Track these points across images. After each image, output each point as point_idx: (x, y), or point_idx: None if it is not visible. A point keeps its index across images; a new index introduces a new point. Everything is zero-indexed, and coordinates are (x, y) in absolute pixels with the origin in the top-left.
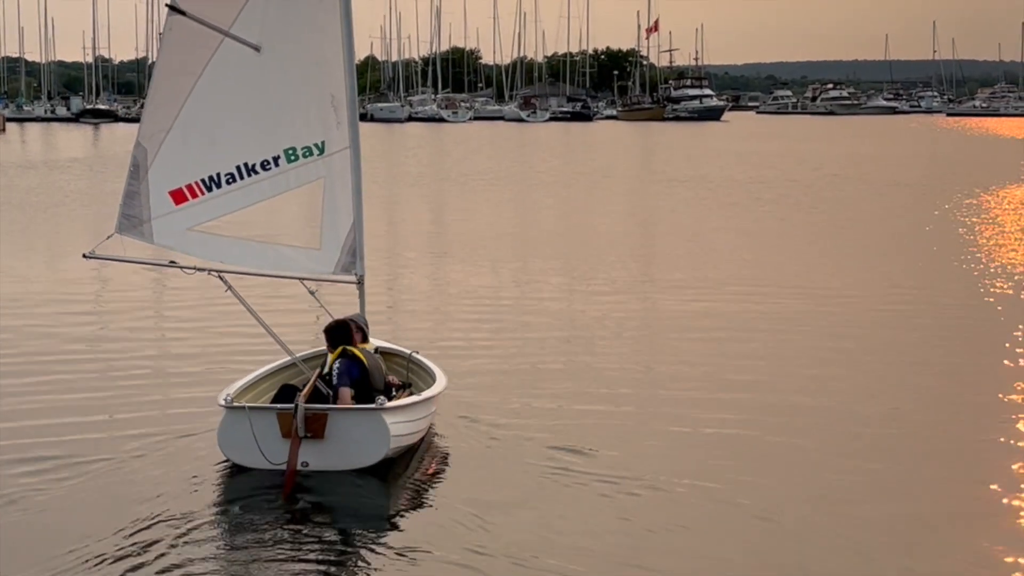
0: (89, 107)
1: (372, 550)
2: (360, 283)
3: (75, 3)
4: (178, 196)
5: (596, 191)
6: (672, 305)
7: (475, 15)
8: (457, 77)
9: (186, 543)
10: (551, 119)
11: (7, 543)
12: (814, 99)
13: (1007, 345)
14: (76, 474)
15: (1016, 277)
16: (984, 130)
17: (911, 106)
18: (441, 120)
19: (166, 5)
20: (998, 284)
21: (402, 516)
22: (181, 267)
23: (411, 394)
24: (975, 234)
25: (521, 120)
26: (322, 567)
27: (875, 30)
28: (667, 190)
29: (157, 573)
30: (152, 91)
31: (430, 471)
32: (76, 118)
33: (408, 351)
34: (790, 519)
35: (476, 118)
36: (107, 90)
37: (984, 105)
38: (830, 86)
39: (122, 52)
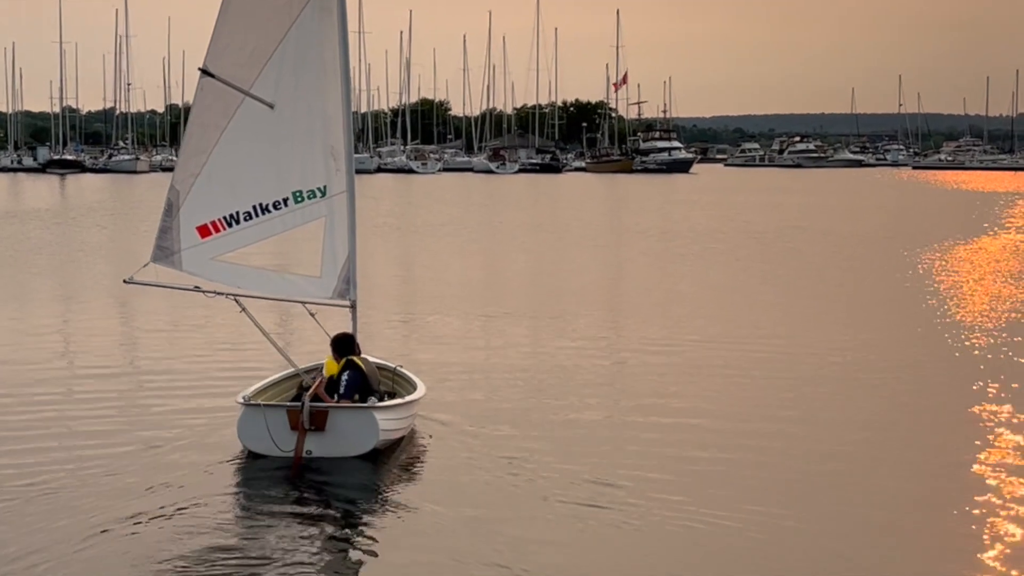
0: (56, 157)
1: (360, 519)
2: (353, 307)
3: (43, 53)
4: (204, 231)
5: (563, 242)
6: (638, 347)
7: (444, 67)
8: (426, 128)
9: (211, 511)
10: (520, 171)
11: (58, 516)
12: (781, 152)
13: (961, 388)
14: (118, 456)
15: (970, 325)
16: (949, 183)
17: (877, 159)
18: (410, 171)
19: (199, 69)
20: (954, 331)
21: (385, 494)
22: (204, 291)
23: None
24: (934, 284)
25: (490, 172)
26: (321, 531)
27: (842, 83)
28: (634, 242)
29: (185, 533)
30: (185, 142)
31: (409, 461)
32: (43, 168)
33: (393, 365)
34: (779, 543)
35: (445, 169)
36: (74, 140)
37: (949, 158)
38: (797, 139)
39: (90, 102)
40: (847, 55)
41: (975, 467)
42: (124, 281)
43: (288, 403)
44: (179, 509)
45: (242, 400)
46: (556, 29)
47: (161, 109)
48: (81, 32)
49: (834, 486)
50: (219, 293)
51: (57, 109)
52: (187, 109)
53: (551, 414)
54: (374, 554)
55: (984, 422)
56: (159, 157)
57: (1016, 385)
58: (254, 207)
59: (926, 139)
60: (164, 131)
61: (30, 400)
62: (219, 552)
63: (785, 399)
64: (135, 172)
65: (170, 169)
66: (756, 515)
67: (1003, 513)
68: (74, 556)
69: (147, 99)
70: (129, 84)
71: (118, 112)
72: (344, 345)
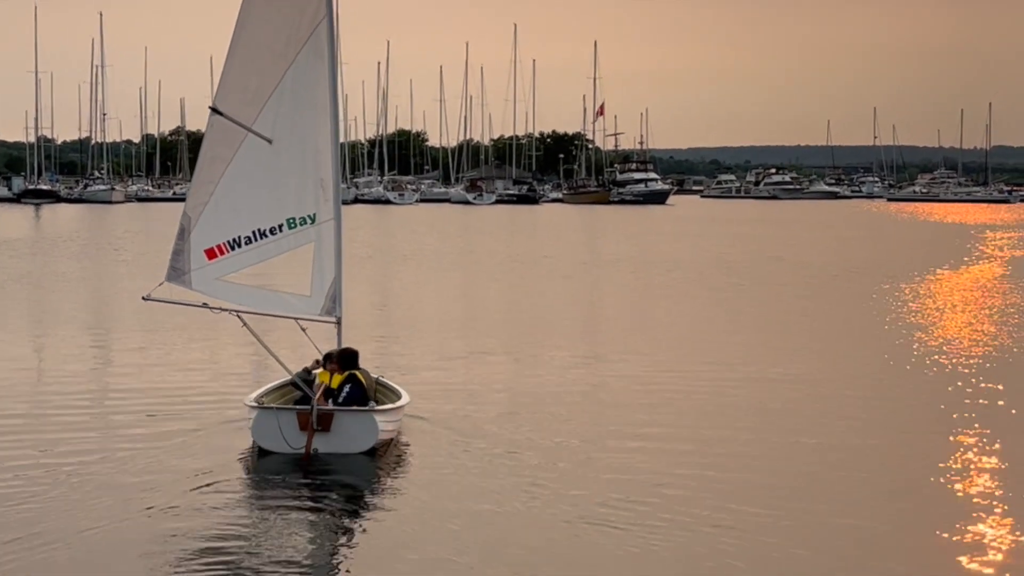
0: (31, 187)
1: (360, 505)
2: (338, 323)
3: (18, 82)
4: (210, 253)
5: (538, 273)
6: (611, 372)
7: (421, 98)
8: (403, 159)
9: (229, 499)
10: (497, 202)
11: (92, 496)
12: (757, 183)
13: (928, 411)
14: (130, 454)
15: (938, 353)
16: (923, 215)
17: (852, 191)
18: (387, 202)
19: (209, 108)
20: (922, 359)
21: (382, 484)
22: (211, 308)
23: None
24: (903, 315)
25: (467, 203)
26: (326, 516)
27: (817, 116)
28: (609, 272)
29: (203, 517)
30: (196, 173)
31: (400, 458)
32: (18, 198)
33: (375, 376)
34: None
35: (422, 200)
36: (49, 170)
37: (924, 190)
38: (773, 171)
39: (65, 132)
40: (822, 88)
41: (944, 485)
42: (143, 298)
43: (297, 406)
44: (193, 498)
45: (254, 403)
46: (534, 60)
47: (137, 139)
48: (57, 62)
49: (817, 503)
50: (224, 310)
51: (32, 139)
52: (163, 139)
53: (526, 422)
54: (373, 538)
55: (953, 442)
56: (135, 187)
57: (981, 409)
58: (253, 232)
59: (901, 171)
60: (140, 161)
61: (44, 407)
62: (233, 536)
63: (758, 422)
64: (111, 202)
65: (146, 199)
66: (733, 533)
67: (972, 524)
68: (88, 543)
69: (123, 129)
70: (105, 114)
71: (94, 142)
72: (349, 360)
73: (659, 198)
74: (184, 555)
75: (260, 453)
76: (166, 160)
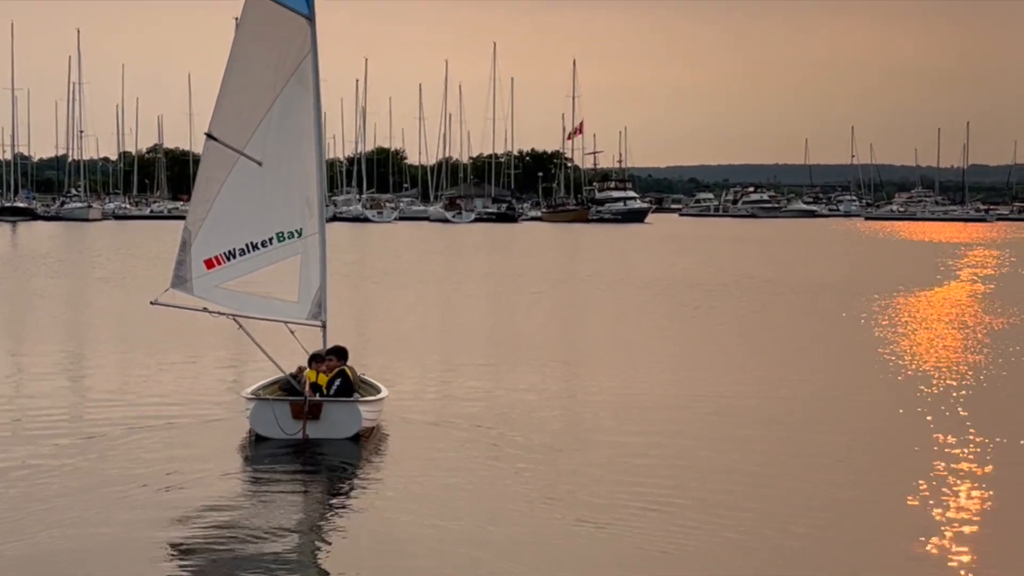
0: (7, 205)
1: (347, 484)
2: (323, 327)
3: None
4: (209, 263)
5: (516, 290)
6: (587, 385)
7: (400, 115)
8: (382, 177)
9: (232, 478)
10: (476, 220)
11: (100, 478)
12: (735, 202)
13: (905, 424)
14: (139, 444)
15: (911, 368)
16: (900, 234)
17: (830, 210)
18: (366, 220)
19: (205, 134)
20: (898, 375)
21: (366, 465)
22: (211, 312)
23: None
24: (877, 332)
25: (446, 221)
26: (317, 492)
27: (795, 134)
28: (587, 290)
29: (209, 495)
30: (195, 192)
31: (380, 443)
32: None
33: (359, 373)
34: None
35: (401, 218)
36: (25, 188)
37: (901, 209)
38: (751, 189)
39: (41, 150)
40: (800, 107)
41: (925, 494)
42: (151, 303)
43: (291, 398)
44: (202, 477)
45: (251, 395)
46: (512, 79)
47: (114, 156)
48: (34, 78)
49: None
50: (222, 314)
51: (8, 156)
52: (140, 156)
53: (497, 417)
54: (359, 511)
55: (934, 457)
56: (112, 205)
57: (961, 426)
58: (246, 245)
59: (878, 190)
60: (117, 179)
61: (33, 408)
62: (234, 507)
63: (727, 432)
64: (87, 220)
65: (123, 217)
66: (706, 532)
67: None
68: (97, 527)
69: (100, 146)
70: (82, 131)
71: (70, 159)
72: (341, 353)
73: (638, 216)
74: (188, 531)
75: (257, 439)
76: (143, 178)
